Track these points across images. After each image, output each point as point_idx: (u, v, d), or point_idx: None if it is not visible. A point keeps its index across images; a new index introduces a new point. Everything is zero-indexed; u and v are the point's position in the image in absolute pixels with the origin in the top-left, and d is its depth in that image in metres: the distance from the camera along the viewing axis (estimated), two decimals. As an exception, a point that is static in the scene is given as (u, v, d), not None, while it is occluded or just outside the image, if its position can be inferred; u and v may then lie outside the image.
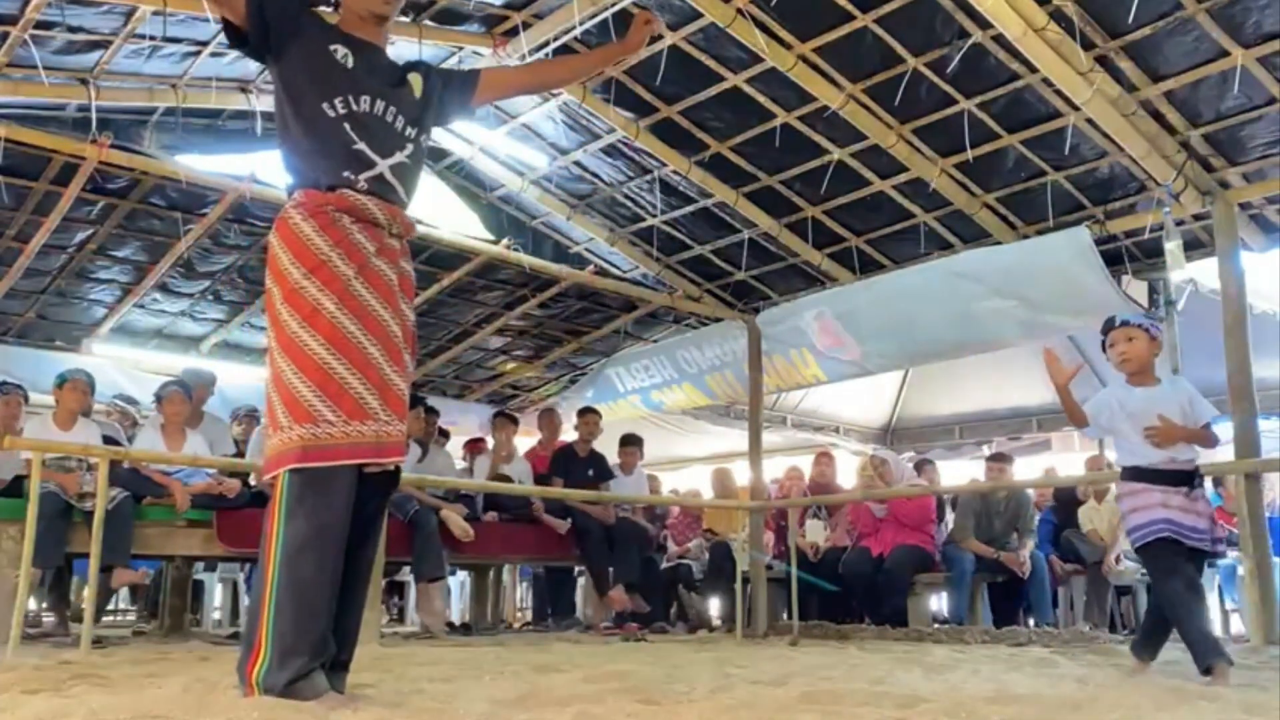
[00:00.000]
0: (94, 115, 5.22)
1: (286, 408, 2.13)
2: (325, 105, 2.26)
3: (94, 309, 7.67)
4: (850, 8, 4.88)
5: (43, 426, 5.26)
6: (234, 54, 5.29)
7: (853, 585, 6.42)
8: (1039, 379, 8.93)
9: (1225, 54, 4.60)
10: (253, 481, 5.62)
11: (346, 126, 2.26)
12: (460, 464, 7.70)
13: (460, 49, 5.65)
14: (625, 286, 7.52)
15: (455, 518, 5.97)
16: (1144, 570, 6.49)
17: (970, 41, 4.84)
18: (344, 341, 2.17)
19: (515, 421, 7.44)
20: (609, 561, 6.56)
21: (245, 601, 8.20)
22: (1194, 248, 5.78)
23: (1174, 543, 3.14)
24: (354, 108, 2.28)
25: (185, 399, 5.64)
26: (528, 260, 7.03)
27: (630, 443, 7.40)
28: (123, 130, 5.50)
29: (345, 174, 2.25)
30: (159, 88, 5.40)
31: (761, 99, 5.62)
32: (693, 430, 10.55)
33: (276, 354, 2.17)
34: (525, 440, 7.93)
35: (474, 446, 8.03)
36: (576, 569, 7.45)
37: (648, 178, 6.58)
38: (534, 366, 9.32)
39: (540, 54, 5.32)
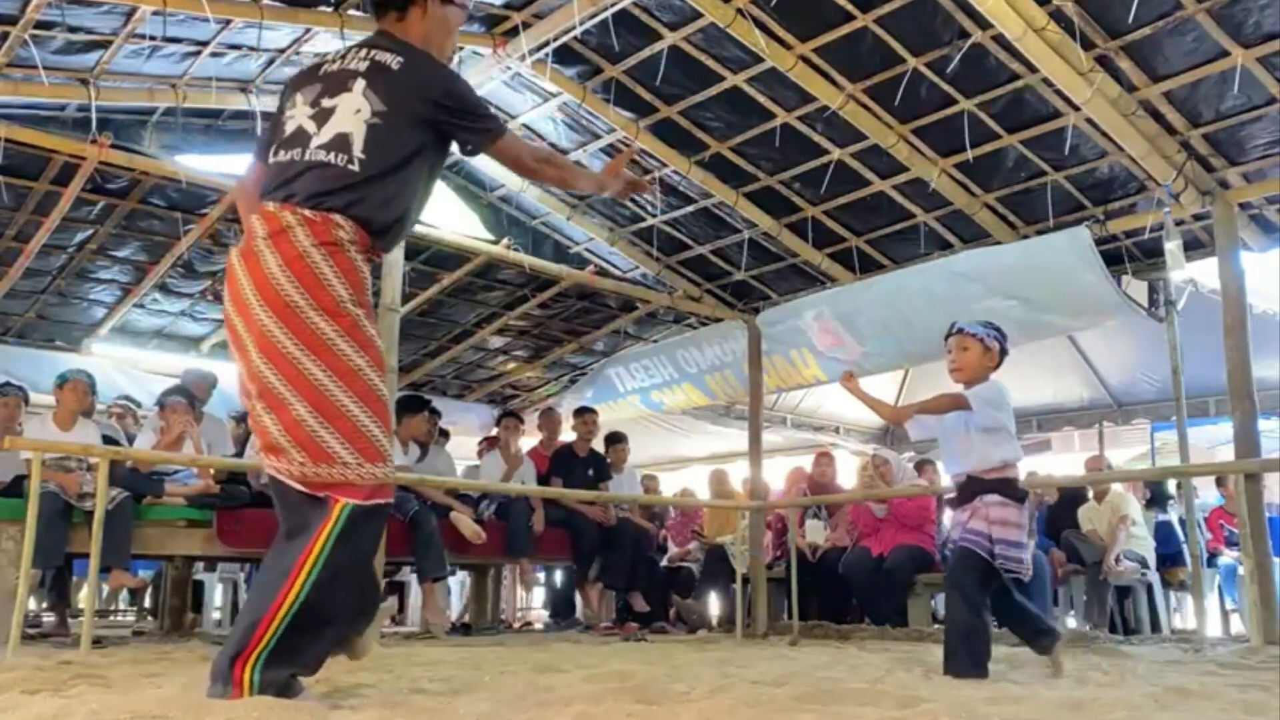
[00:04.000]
0: (94, 115, 5.22)
1: (351, 442, 2.09)
2: (429, 184, 2.37)
3: (94, 309, 7.67)
4: (850, 8, 4.88)
5: (42, 426, 5.26)
6: (234, 54, 5.31)
7: (853, 585, 6.42)
8: (1039, 379, 8.95)
9: (1225, 54, 4.60)
10: (252, 482, 5.63)
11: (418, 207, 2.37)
12: (474, 462, 7.72)
13: (460, 49, 5.65)
14: (625, 286, 7.52)
15: (465, 520, 5.97)
16: (1143, 571, 6.51)
17: (970, 41, 4.83)
18: (381, 380, 2.19)
19: (523, 421, 7.44)
20: (595, 558, 6.59)
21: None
22: (1194, 248, 5.78)
23: (964, 550, 3.16)
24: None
25: (188, 409, 5.61)
26: (528, 260, 7.03)
27: (617, 440, 7.38)
28: (123, 130, 5.50)
29: (398, 241, 2.44)
30: (159, 88, 5.40)
31: (761, 99, 5.62)
32: (693, 430, 10.55)
33: (326, 379, 2.10)
34: (525, 441, 7.92)
35: (492, 443, 7.96)
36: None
37: (648, 178, 6.57)
38: (534, 366, 9.32)
39: (540, 54, 5.32)
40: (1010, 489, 3.11)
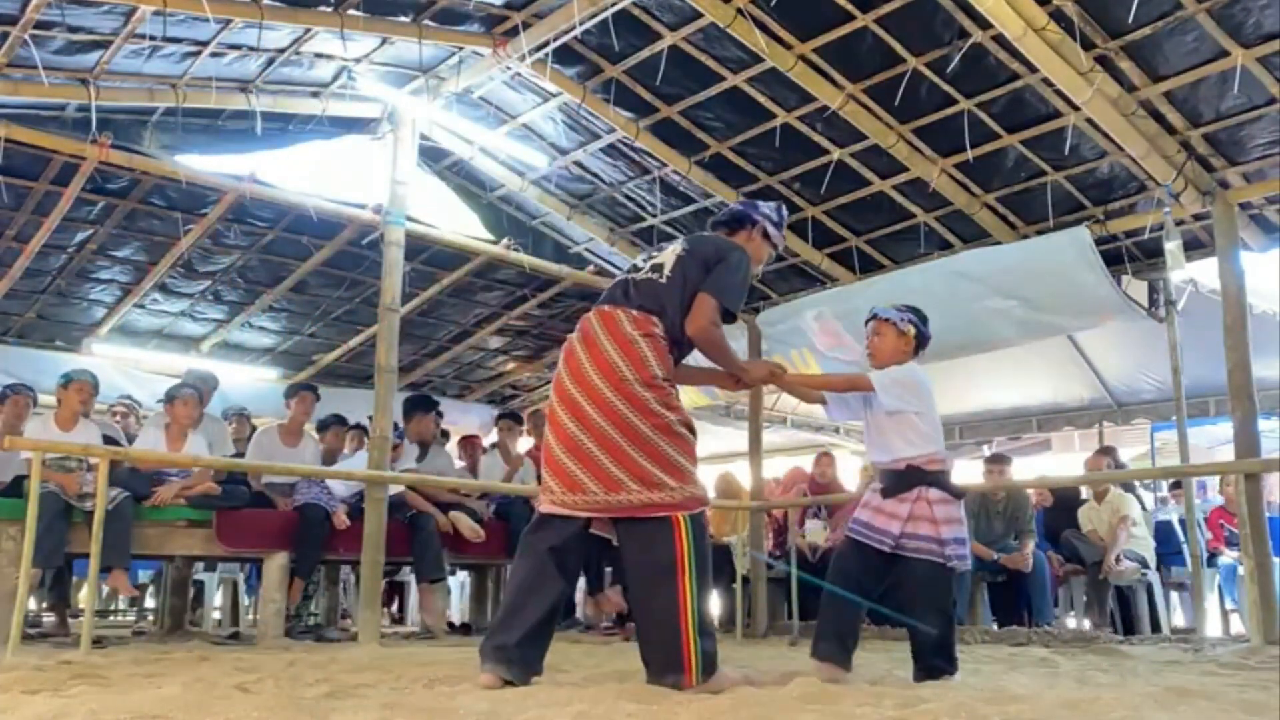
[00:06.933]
0: (94, 115, 5.23)
1: (673, 474, 2.75)
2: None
3: (94, 309, 7.68)
4: (850, 8, 4.88)
5: (43, 426, 5.26)
6: (234, 54, 5.31)
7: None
8: (1039, 379, 8.95)
9: (1225, 54, 4.60)
10: (252, 483, 5.62)
11: None
12: (458, 463, 7.67)
13: (460, 49, 5.66)
14: (625, 286, 7.51)
15: (465, 519, 5.96)
16: (1143, 571, 6.50)
17: (970, 41, 4.83)
18: (688, 431, 2.88)
19: (521, 422, 7.43)
20: (605, 562, 6.56)
21: (245, 601, 8.20)
22: (1194, 248, 5.77)
23: (854, 542, 3.12)
24: None
25: (198, 403, 5.58)
26: (528, 260, 7.03)
27: None
28: (123, 130, 5.50)
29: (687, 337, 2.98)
30: (159, 88, 5.40)
31: (761, 99, 5.62)
32: (693, 430, 10.52)
33: (650, 432, 2.77)
34: (523, 441, 7.91)
35: (470, 443, 7.90)
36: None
37: (648, 178, 6.57)
38: (534, 366, 9.32)
39: (540, 54, 5.32)
40: (950, 485, 3.01)
